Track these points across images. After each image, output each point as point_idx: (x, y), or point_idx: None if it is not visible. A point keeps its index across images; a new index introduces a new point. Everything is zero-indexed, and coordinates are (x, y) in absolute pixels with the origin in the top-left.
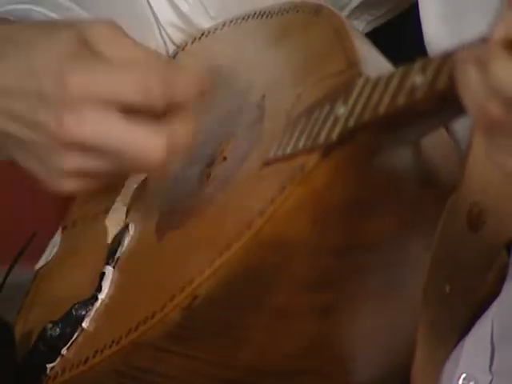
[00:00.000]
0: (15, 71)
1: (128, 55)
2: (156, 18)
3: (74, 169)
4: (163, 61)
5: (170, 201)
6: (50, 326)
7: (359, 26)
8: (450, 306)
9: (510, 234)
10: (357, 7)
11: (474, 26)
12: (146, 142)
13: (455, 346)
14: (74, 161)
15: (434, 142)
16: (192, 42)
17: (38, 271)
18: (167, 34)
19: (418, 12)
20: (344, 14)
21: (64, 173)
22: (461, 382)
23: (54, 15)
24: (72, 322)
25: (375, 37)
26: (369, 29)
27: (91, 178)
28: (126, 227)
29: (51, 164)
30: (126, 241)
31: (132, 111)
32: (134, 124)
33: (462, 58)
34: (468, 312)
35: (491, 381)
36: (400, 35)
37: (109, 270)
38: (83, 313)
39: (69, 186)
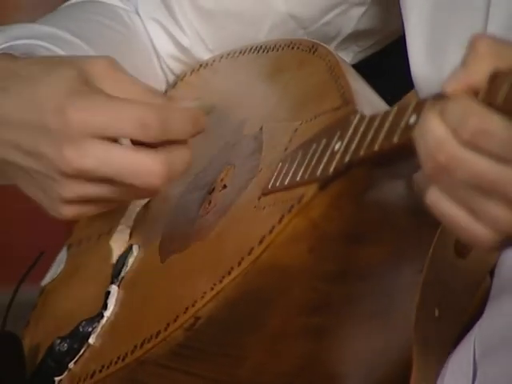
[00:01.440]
0: (19, 104)
1: (126, 92)
2: (156, 50)
3: (73, 197)
4: (161, 98)
5: (172, 224)
6: (58, 341)
7: (347, 57)
8: (439, 328)
9: (494, 260)
10: (345, 38)
11: (455, 64)
12: (145, 168)
13: (447, 356)
14: (74, 190)
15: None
16: (191, 73)
17: (44, 287)
18: (167, 65)
19: (404, 45)
20: (333, 45)
21: (64, 201)
22: None
23: (56, 49)
24: (79, 338)
25: (364, 67)
26: (356, 60)
27: (91, 204)
28: (129, 248)
29: (52, 192)
30: (130, 261)
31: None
32: (133, 152)
33: (427, 107)
34: (455, 333)
35: None
36: (387, 66)
37: (114, 289)
38: (89, 329)
39: (68, 212)
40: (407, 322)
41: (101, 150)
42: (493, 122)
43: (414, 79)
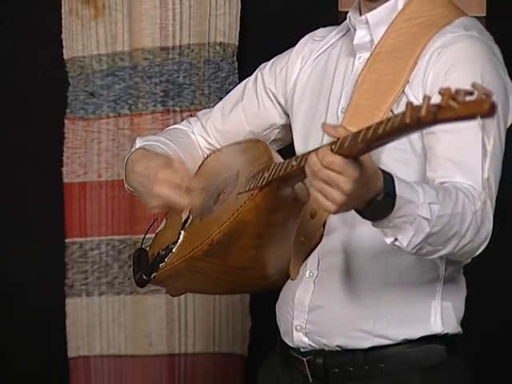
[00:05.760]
0: (142, 167)
1: (179, 169)
2: (200, 146)
3: (156, 205)
4: (190, 173)
5: (204, 208)
6: (161, 250)
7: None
8: (302, 246)
9: (324, 220)
10: (271, 141)
11: (315, 145)
12: (183, 202)
13: (306, 257)
14: (156, 203)
15: (298, 184)
16: (212, 154)
17: (157, 233)
18: (204, 152)
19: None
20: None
21: (152, 206)
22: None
23: (163, 146)
24: (169, 249)
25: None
26: (276, 149)
27: (162, 209)
28: (188, 217)
29: (149, 202)
30: (189, 221)
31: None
32: (181, 194)
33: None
34: (311, 248)
35: (317, 274)
36: (286, 150)
37: (182, 232)
38: (172, 246)
39: (154, 211)
40: (291, 243)
41: (167, 189)
42: (334, 158)
43: (296, 152)
